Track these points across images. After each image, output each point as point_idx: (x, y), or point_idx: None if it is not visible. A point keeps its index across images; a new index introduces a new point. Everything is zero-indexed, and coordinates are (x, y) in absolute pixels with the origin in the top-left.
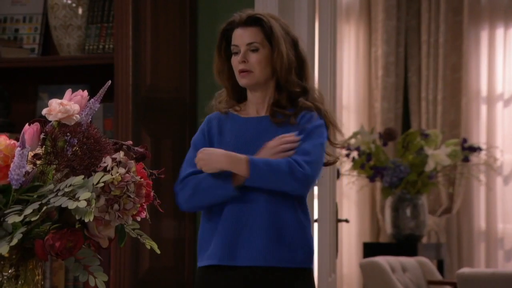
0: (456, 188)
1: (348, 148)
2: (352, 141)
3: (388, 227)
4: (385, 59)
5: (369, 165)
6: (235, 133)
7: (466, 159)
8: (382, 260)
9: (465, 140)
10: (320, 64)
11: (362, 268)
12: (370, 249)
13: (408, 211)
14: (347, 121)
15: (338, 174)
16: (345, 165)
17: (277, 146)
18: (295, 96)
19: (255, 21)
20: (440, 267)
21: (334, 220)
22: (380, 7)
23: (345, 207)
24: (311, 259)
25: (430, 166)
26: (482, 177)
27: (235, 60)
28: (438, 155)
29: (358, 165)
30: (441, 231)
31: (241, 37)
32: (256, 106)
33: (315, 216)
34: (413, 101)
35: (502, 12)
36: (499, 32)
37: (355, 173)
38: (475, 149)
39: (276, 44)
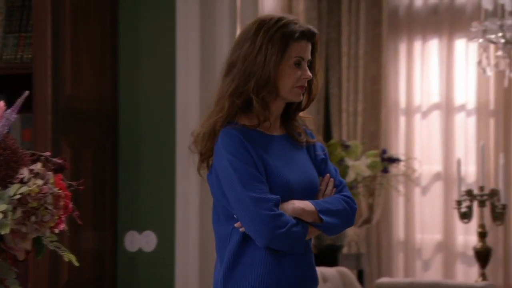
0: (376, 198)
1: None
2: None
3: None
4: None
5: None
6: (275, 151)
7: (385, 170)
8: None
9: (384, 151)
10: None
11: None
12: None
13: None
14: None
15: None
16: None
17: (328, 189)
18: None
19: (313, 37)
20: (360, 277)
21: None
22: (301, 18)
23: None
24: None
25: (350, 177)
26: (401, 187)
27: (297, 72)
28: (359, 166)
29: None
30: (361, 241)
31: (306, 51)
32: (274, 120)
33: None
34: (334, 112)
35: (420, 25)
36: (417, 44)
37: None
38: (394, 160)
39: (317, 64)
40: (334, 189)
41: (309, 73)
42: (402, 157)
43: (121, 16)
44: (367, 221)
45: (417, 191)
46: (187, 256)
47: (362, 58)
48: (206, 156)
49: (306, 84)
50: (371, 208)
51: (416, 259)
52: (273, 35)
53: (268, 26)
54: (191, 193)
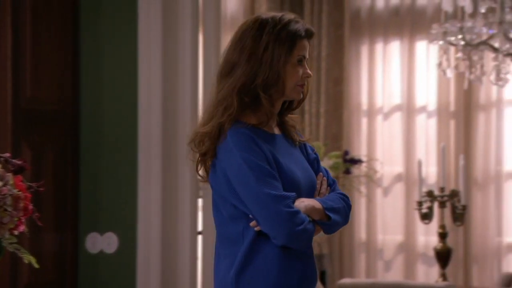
0: None
1: None
2: None
3: None
4: None
5: None
6: (279, 150)
7: (347, 171)
8: None
9: (346, 153)
10: (205, 75)
11: None
12: None
13: None
14: None
15: None
16: None
17: (322, 188)
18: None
19: (312, 36)
20: (322, 277)
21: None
22: None
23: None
24: None
25: None
26: (363, 189)
27: (300, 71)
28: None
29: None
30: (324, 242)
31: (307, 50)
32: (272, 119)
33: (199, 228)
34: (297, 114)
35: (381, 27)
36: (379, 46)
37: None
38: (356, 162)
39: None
40: (328, 187)
41: (310, 71)
42: (364, 158)
43: (82, 16)
44: None
45: (378, 192)
46: (149, 258)
47: (325, 60)
48: (207, 156)
49: (305, 82)
50: None
51: (377, 259)
52: (279, 33)
53: (273, 24)
54: (153, 195)
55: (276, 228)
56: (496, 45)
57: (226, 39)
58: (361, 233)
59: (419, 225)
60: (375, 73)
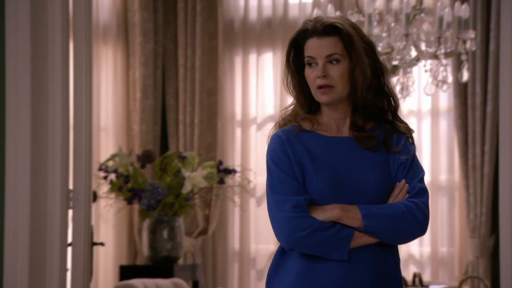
0: (212, 209)
1: (106, 171)
2: (110, 163)
3: (145, 250)
4: (143, 82)
5: (127, 188)
6: (326, 154)
7: (221, 181)
8: (138, 282)
9: (220, 163)
10: (75, 85)
11: None
12: (126, 272)
13: (165, 233)
14: (105, 143)
15: (95, 197)
16: (103, 188)
17: (399, 195)
18: (371, 115)
19: (333, 30)
20: (196, 287)
21: (89, 244)
22: (138, 30)
23: (102, 230)
24: None
25: (187, 188)
26: (237, 198)
27: (310, 74)
28: (195, 177)
29: (116, 188)
30: (197, 252)
31: (319, 48)
32: (336, 123)
33: (69, 239)
34: (171, 124)
35: (254, 39)
36: (252, 57)
37: (113, 195)
38: (230, 172)
39: (358, 56)
40: (407, 194)
41: (320, 72)
42: (238, 168)
43: None
44: (204, 232)
45: (252, 202)
46: (15, 270)
47: (199, 71)
48: None
49: (328, 83)
50: (207, 219)
51: (250, 269)
52: (288, 45)
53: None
54: (20, 205)
55: (276, 233)
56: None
57: (99, 49)
58: (235, 243)
59: None
60: (249, 83)
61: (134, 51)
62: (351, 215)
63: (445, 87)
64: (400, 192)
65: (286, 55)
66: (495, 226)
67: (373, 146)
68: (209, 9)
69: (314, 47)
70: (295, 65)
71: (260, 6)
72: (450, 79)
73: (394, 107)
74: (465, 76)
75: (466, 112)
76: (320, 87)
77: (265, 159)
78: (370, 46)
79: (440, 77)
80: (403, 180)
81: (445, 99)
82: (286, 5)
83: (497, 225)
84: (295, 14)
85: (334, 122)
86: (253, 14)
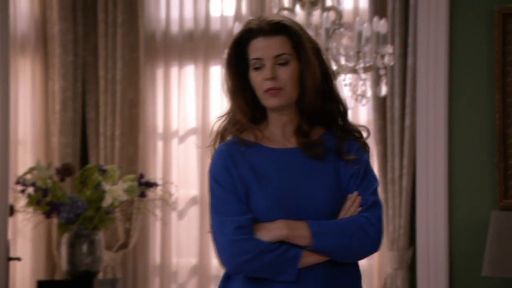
0: (133, 223)
1: (24, 184)
2: (28, 176)
3: (64, 264)
4: (62, 94)
5: (46, 201)
6: (271, 168)
7: (143, 195)
8: None
9: (142, 176)
10: None
11: None
12: (44, 287)
13: (84, 247)
14: (23, 156)
15: (12, 211)
16: (20, 201)
17: (351, 209)
18: (319, 120)
19: (281, 29)
20: None
21: (5, 259)
22: (57, 41)
23: (19, 245)
24: None
25: (107, 201)
26: (158, 212)
27: (257, 77)
28: (116, 190)
29: (34, 201)
30: (118, 266)
31: (266, 48)
32: (282, 130)
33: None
34: (91, 136)
35: (176, 51)
36: (174, 70)
37: (31, 209)
38: (151, 185)
39: (308, 57)
40: (360, 208)
41: (269, 73)
42: (159, 182)
43: None
44: (124, 245)
45: (173, 215)
46: None
47: (120, 83)
48: None
49: (277, 85)
50: (128, 232)
51: (172, 282)
52: (229, 47)
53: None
54: None
55: (219, 257)
56: None
57: (17, 60)
58: (156, 256)
59: (212, 248)
60: (171, 96)
61: (53, 62)
62: (299, 234)
63: (364, 101)
64: (352, 205)
65: (228, 58)
66: (412, 238)
67: (322, 154)
68: (130, 21)
69: (261, 48)
70: (237, 69)
71: (181, 19)
72: (369, 93)
73: (343, 112)
74: (384, 90)
75: (385, 126)
76: (269, 89)
77: (207, 177)
78: (316, 48)
79: (359, 91)
80: (356, 192)
81: (365, 113)
82: (208, 18)
83: (415, 238)
84: (216, 27)
85: (281, 131)
86: (174, 27)
